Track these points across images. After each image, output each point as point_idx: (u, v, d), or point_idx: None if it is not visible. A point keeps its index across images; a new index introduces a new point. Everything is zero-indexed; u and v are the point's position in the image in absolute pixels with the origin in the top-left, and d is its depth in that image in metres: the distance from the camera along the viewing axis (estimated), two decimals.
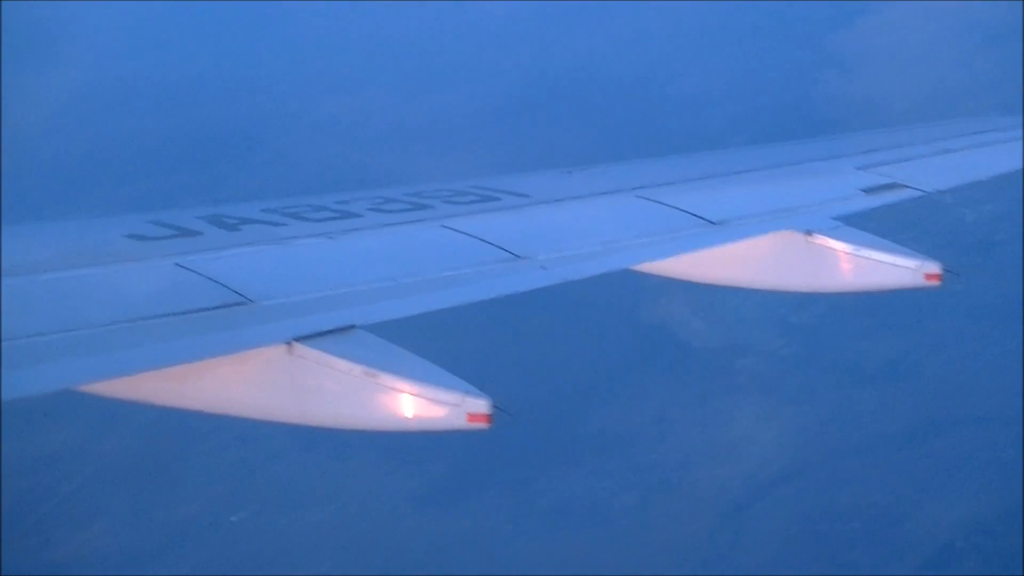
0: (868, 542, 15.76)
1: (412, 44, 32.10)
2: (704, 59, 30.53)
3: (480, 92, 29.24)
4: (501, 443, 16.47)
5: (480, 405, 3.41)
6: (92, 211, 22.74)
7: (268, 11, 33.21)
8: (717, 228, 4.87)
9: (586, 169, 5.66)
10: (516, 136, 26.53)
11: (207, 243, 4.03)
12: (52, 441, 17.18)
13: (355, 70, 31.10)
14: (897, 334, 19.30)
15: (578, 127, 27.00)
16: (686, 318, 20.34)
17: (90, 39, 32.32)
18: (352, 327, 3.64)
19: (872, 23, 32.47)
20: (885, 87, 28.35)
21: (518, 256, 4.36)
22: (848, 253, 4.92)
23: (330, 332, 3.60)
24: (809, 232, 4.97)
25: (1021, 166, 5.59)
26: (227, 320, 3.62)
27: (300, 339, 3.53)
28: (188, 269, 3.80)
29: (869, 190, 5.39)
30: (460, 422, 3.44)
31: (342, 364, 3.47)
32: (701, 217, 4.92)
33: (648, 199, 5.01)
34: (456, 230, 4.52)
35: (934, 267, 4.68)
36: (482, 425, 3.44)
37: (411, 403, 3.49)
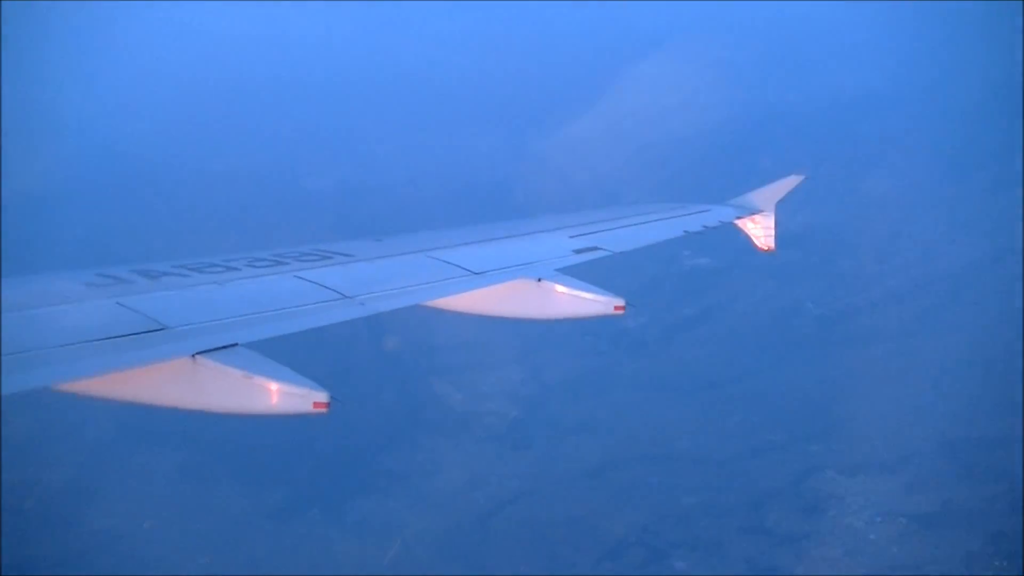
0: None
1: None
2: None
3: None
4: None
5: (322, 397, 4.42)
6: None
7: None
8: (477, 276, 6.21)
9: (391, 237, 7.02)
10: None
11: (137, 288, 5.15)
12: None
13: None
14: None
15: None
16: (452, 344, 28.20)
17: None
18: (235, 344, 4.64)
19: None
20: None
21: (345, 296, 5.48)
22: (564, 293, 6.28)
23: (221, 348, 4.58)
24: (539, 279, 6.36)
25: (678, 236, 7.49)
26: (151, 340, 4.58)
27: (200, 353, 4.51)
28: (124, 306, 4.87)
29: (578, 251, 6.96)
30: (308, 408, 4.43)
31: (229, 370, 4.46)
32: (467, 269, 6.25)
33: (433, 257, 6.44)
34: (304, 279, 5.63)
35: (619, 301, 6.27)
36: (323, 411, 4.41)
37: (275, 395, 4.46)
